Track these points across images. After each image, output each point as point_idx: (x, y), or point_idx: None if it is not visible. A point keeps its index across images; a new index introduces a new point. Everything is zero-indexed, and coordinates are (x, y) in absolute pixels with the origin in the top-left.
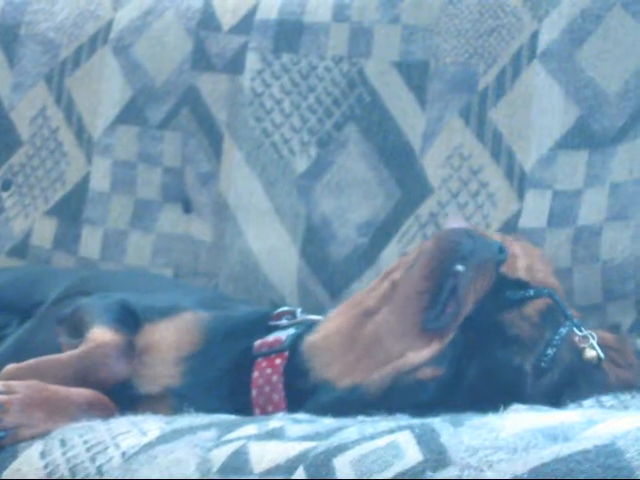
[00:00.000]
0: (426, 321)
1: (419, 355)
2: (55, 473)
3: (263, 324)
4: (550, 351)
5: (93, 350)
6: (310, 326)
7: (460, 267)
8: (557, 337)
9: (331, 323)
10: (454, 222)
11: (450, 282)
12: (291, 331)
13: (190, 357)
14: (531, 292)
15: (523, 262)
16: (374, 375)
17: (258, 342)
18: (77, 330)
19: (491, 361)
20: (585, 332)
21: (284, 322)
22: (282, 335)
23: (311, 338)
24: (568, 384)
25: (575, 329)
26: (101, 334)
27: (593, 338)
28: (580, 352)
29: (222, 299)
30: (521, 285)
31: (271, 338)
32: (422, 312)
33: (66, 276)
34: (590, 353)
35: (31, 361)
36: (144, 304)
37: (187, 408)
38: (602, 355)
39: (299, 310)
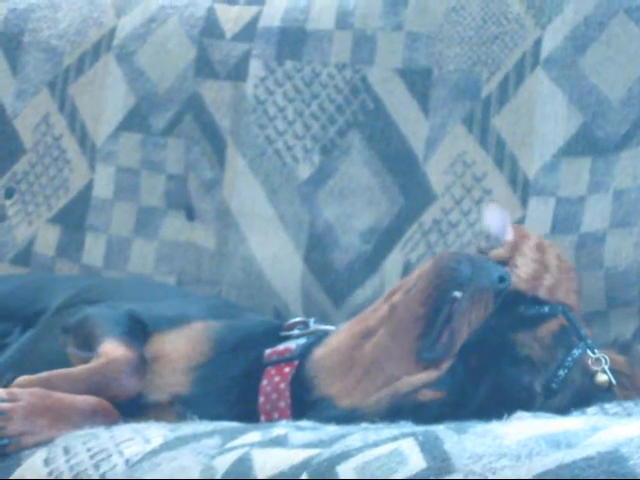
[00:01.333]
0: (420, 350)
1: (416, 378)
2: None
3: (275, 334)
4: (561, 372)
5: (105, 366)
6: (321, 337)
7: (458, 293)
8: (569, 359)
9: (335, 339)
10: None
11: (446, 309)
12: (302, 341)
13: (200, 366)
14: (546, 309)
15: (550, 279)
16: (372, 398)
17: (269, 351)
18: (86, 341)
19: (501, 380)
20: (598, 354)
21: (296, 332)
22: (292, 344)
23: (318, 351)
24: (578, 406)
25: (588, 351)
26: (112, 349)
27: (606, 362)
28: (592, 375)
29: (229, 307)
30: (537, 302)
31: (281, 347)
32: (418, 339)
33: (69, 284)
34: (601, 378)
35: (43, 374)
36: (153, 313)
37: (192, 416)
38: (614, 381)
39: (312, 320)
